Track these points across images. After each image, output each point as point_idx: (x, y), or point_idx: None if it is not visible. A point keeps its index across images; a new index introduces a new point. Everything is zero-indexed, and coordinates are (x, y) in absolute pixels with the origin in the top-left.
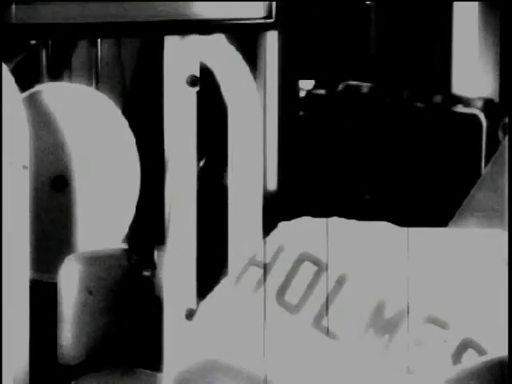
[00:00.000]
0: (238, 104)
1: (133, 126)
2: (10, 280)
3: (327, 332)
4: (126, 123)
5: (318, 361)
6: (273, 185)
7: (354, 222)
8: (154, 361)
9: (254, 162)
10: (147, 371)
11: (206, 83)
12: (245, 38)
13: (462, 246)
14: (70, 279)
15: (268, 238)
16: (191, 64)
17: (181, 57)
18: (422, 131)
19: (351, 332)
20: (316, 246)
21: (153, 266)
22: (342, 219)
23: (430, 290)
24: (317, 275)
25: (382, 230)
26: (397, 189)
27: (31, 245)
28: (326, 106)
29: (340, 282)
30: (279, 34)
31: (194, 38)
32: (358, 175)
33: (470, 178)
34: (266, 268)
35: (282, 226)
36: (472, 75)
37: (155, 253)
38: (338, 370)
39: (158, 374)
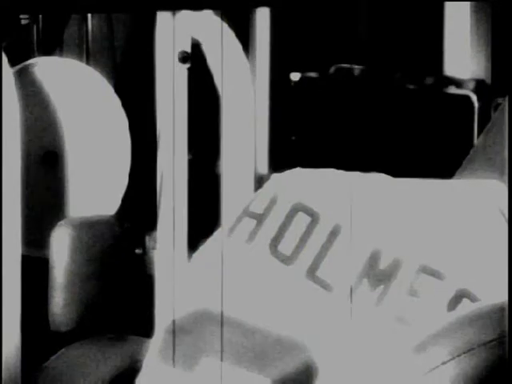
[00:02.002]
0: (229, 82)
1: (124, 102)
2: (1, 255)
3: (321, 283)
4: (117, 99)
5: (312, 312)
6: (264, 169)
7: (348, 172)
8: (145, 327)
9: (245, 144)
10: (138, 337)
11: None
12: (237, 14)
13: (458, 196)
14: (61, 245)
15: (261, 189)
16: (183, 40)
17: (172, 33)
18: (414, 113)
19: (345, 283)
20: (310, 197)
21: (144, 247)
22: (337, 170)
23: (425, 241)
24: (311, 226)
25: (377, 181)
26: (389, 170)
27: (23, 220)
28: (318, 88)
29: (334, 232)
30: (271, 11)
31: (186, 14)
32: (350, 158)
33: (462, 158)
34: (259, 218)
35: (276, 177)
36: (464, 57)
37: (146, 238)
38: (332, 321)
39: (150, 340)
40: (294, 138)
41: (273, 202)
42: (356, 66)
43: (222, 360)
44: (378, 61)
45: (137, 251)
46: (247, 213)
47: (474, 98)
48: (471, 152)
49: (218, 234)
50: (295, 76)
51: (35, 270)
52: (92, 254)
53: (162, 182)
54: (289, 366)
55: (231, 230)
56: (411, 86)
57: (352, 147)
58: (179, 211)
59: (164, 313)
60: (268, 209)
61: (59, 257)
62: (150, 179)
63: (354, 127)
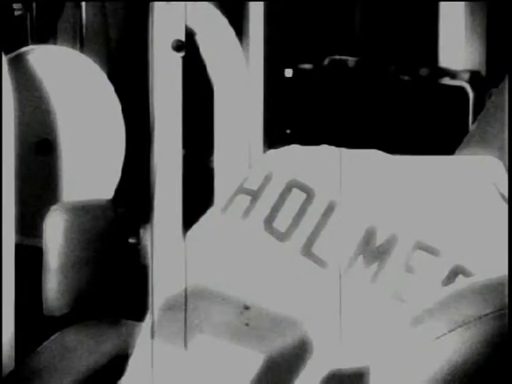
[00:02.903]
0: (223, 70)
1: (118, 90)
2: None
3: (316, 259)
4: (111, 87)
5: (306, 288)
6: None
7: (343, 149)
8: (139, 311)
9: (239, 137)
10: (132, 322)
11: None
12: (232, 5)
13: (453, 172)
14: (54, 229)
15: (256, 166)
16: (177, 29)
17: (167, 21)
18: (409, 104)
19: (340, 259)
20: (305, 174)
21: (138, 237)
22: (332, 147)
23: (420, 217)
24: (305, 203)
25: (372, 157)
26: None
27: (16, 209)
28: (312, 80)
29: (329, 209)
30: (265, 3)
31: (180, 3)
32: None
33: (457, 148)
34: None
35: (271, 153)
36: (458, 48)
37: (140, 230)
38: (327, 298)
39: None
40: (288, 131)
41: (267, 178)
42: (350, 58)
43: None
44: (372, 52)
45: (131, 241)
46: (242, 189)
47: (469, 88)
48: (465, 139)
49: (212, 211)
50: (288, 72)
51: (29, 257)
52: (86, 238)
53: (157, 170)
54: (283, 342)
55: (226, 206)
56: (406, 78)
57: (347, 139)
58: (173, 197)
59: (158, 291)
60: (263, 185)
61: (53, 241)
62: (144, 168)
63: (348, 119)
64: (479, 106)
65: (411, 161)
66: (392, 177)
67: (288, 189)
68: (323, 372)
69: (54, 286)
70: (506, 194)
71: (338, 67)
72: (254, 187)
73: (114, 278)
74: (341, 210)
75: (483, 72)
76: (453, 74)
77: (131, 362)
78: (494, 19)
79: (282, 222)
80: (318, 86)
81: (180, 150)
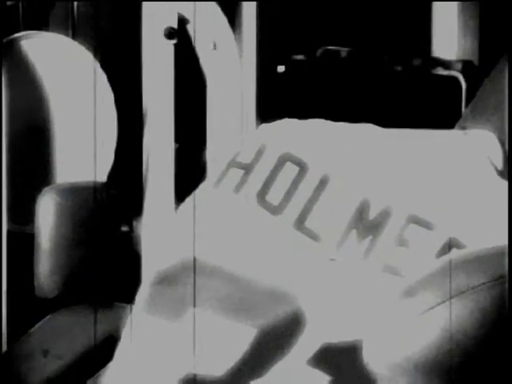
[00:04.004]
0: (215, 59)
1: (110, 78)
2: None
3: (309, 233)
4: (103, 75)
5: (299, 262)
6: None
7: (337, 123)
8: (131, 294)
9: (232, 129)
10: (124, 305)
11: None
12: None
13: (447, 146)
14: (46, 210)
15: (249, 140)
16: (169, 16)
17: (159, 9)
18: (402, 94)
19: (334, 234)
20: (298, 147)
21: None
22: (326, 120)
23: (414, 191)
24: (299, 176)
25: (366, 131)
26: None
27: (8, 196)
28: (306, 71)
29: (322, 182)
30: None
31: None
32: None
33: None
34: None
35: (263, 127)
36: (451, 38)
37: (133, 220)
38: (320, 272)
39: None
40: None
41: (260, 152)
42: (344, 49)
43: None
44: (365, 43)
45: (123, 229)
46: (234, 163)
47: (462, 78)
48: (458, 122)
49: (204, 185)
50: (281, 68)
51: (21, 239)
52: (78, 219)
53: (149, 158)
54: (276, 315)
55: (218, 180)
56: (399, 68)
57: None
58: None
59: (150, 265)
60: (255, 159)
61: (44, 222)
62: (137, 154)
63: (342, 109)
64: (472, 96)
65: (405, 134)
66: (386, 150)
67: (281, 162)
68: (316, 346)
69: (45, 268)
70: (500, 167)
71: (331, 58)
72: (247, 161)
73: (106, 260)
74: (334, 183)
75: (476, 62)
76: (446, 64)
77: (123, 336)
78: (487, 9)
79: (275, 196)
80: (310, 76)
81: (172, 136)
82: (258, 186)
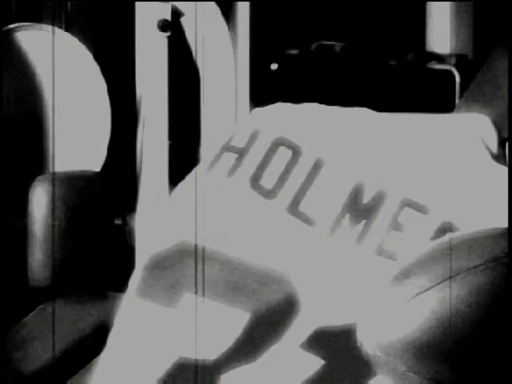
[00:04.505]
0: (209, 51)
1: (104, 70)
2: None
3: (303, 217)
4: (97, 67)
5: (293, 246)
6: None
7: (331, 107)
8: (124, 283)
9: (226, 125)
10: (118, 294)
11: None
12: None
13: (440, 128)
14: (40, 199)
15: (242, 124)
16: (163, 8)
17: (153, 1)
18: (396, 88)
19: (328, 218)
20: (292, 131)
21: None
22: (319, 104)
23: (408, 174)
24: (292, 160)
25: (360, 114)
26: None
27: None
28: (300, 65)
29: (316, 166)
30: None
31: None
32: None
33: None
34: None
35: (257, 111)
36: (446, 32)
37: (126, 214)
38: (314, 255)
39: None
40: None
41: (254, 136)
42: (338, 43)
43: (196, 293)
44: (360, 38)
45: (116, 222)
46: (228, 147)
47: (456, 72)
48: (454, 110)
49: (198, 169)
50: (274, 66)
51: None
52: (70, 208)
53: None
54: (270, 299)
55: (212, 164)
56: (393, 62)
57: None
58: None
59: (143, 250)
60: (249, 143)
61: (37, 211)
62: (130, 149)
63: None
64: (465, 89)
65: (399, 118)
66: (380, 134)
67: (275, 146)
68: (310, 329)
69: (38, 257)
70: (494, 150)
71: (326, 52)
72: (241, 145)
73: (99, 249)
74: (328, 167)
75: (470, 56)
76: (440, 58)
77: (116, 321)
78: (480, 3)
79: (268, 180)
80: (305, 71)
81: (166, 129)
82: (252, 170)
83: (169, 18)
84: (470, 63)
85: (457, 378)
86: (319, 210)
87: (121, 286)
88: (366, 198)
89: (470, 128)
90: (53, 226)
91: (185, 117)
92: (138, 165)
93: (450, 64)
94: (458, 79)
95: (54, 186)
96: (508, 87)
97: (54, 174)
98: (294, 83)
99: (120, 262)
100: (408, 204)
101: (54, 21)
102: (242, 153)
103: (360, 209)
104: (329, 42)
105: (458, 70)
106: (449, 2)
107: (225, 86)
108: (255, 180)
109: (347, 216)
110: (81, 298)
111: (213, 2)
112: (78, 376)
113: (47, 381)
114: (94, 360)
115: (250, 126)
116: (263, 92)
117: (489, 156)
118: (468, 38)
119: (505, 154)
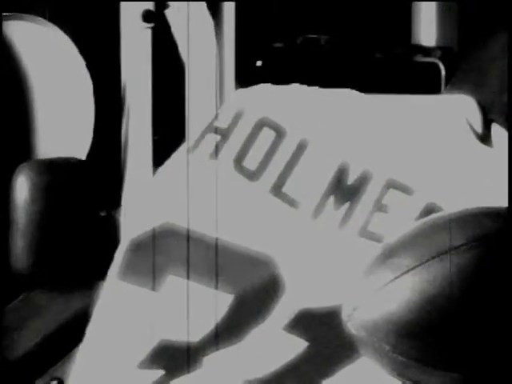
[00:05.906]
0: (194, 44)
1: (88, 60)
2: None
3: (287, 199)
4: (82, 59)
5: (277, 228)
6: None
7: (315, 88)
8: (106, 271)
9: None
10: (101, 281)
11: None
12: None
13: (426, 110)
14: (22, 186)
15: (226, 105)
16: None
17: None
18: (382, 82)
19: (312, 199)
20: (276, 112)
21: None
22: (303, 85)
23: (393, 155)
24: (276, 141)
25: (345, 95)
26: None
27: None
28: (286, 59)
29: (300, 147)
30: None
31: None
32: None
33: None
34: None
35: (241, 92)
36: (431, 25)
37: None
38: (298, 238)
39: None
40: None
41: (237, 116)
42: (323, 36)
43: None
44: (345, 31)
45: (101, 214)
46: (211, 128)
47: (441, 65)
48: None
49: (182, 149)
50: (259, 63)
51: None
52: (54, 195)
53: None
54: (254, 281)
55: (195, 145)
56: (379, 55)
57: None
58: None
59: (127, 232)
60: (233, 124)
61: (20, 198)
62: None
63: None
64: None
65: (384, 99)
66: (365, 114)
67: (258, 127)
68: (293, 311)
69: (21, 244)
70: (479, 131)
71: (311, 46)
72: (224, 125)
73: (82, 237)
74: (312, 148)
75: (455, 48)
76: (426, 51)
77: (97, 305)
78: None
79: (252, 161)
80: (290, 64)
81: (150, 121)
82: (235, 151)
83: (152, 8)
84: (456, 56)
85: (441, 358)
86: (303, 192)
87: (103, 273)
88: (351, 179)
89: (454, 108)
90: (35, 212)
91: (169, 111)
92: (122, 156)
93: (435, 56)
94: (443, 71)
95: (36, 173)
96: (508, 79)
97: (37, 161)
98: (279, 76)
99: (105, 252)
100: (393, 185)
101: (37, 11)
102: (225, 134)
103: (344, 190)
104: (314, 36)
105: (443, 62)
106: None
107: (209, 79)
108: (238, 161)
109: (331, 197)
110: (64, 286)
111: None
112: (60, 363)
113: (30, 368)
114: (77, 348)
115: (233, 107)
116: (248, 85)
117: (473, 137)
118: (453, 31)
119: (490, 135)
